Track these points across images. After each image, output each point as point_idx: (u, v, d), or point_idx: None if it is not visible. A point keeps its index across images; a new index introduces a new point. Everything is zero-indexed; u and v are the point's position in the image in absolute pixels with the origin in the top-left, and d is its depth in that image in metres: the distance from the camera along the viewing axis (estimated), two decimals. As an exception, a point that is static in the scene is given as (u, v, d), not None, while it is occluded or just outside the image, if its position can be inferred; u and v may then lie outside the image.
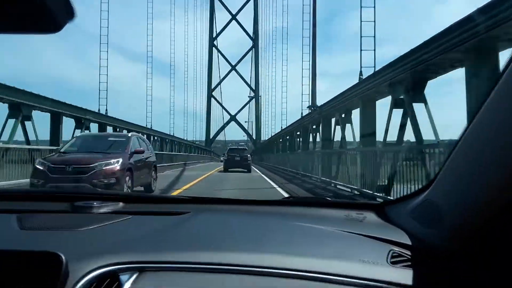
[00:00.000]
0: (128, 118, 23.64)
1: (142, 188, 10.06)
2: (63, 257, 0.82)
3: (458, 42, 5.55)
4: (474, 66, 5.59)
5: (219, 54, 77.65)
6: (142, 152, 9.64)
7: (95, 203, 1.30)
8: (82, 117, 16.76)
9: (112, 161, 8.27)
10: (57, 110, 14.66)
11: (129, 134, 10.34)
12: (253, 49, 71.78)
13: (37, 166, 8.29)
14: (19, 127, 12.60)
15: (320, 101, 16.73)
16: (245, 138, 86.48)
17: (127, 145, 9.19)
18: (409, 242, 1.03)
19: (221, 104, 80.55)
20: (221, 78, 79.39)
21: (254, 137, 69.82)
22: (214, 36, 73.67)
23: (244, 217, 1.37)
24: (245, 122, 78.79)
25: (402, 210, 1.19)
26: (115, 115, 21.57)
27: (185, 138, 53.66)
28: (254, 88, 70.74)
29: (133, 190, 9.07)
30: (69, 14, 0.64)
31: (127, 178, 8.55)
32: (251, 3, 70.47)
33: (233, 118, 78.62)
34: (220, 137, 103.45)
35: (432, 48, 6.28)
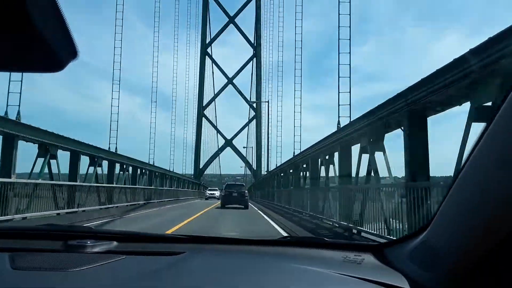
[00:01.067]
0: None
1: None
2: None
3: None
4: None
5: (213, 66, 67.52)
6: None
7: (88, 242, 1.30)
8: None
9: None
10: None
11: None
12: (255, 58, 63.51)
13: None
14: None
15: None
16: (243, 168, 76.62)
17: None
18: (407, 286, 1.02)
19: (214, 126, 69.44)
20: (215, 93, 68.67)
21: (254, 166, 60.73)
22: (207, 42, 64.77)
23: (241, 257, 1.37)
24: (244, 147, 67.54)
25: (400, 252, 1.18)
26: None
27: (171, 170, 42.84)
28: (255, 107, 61.53)
29: None
30: (71, 53, 0.66)
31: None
32: (251, 14, 62.93)
33: (229, 143, 67.39)
34: (215, 170, 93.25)
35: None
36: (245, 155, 68.03)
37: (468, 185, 0.87)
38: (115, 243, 1.35)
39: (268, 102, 47.16)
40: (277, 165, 33.78)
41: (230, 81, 65.95)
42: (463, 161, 0.89)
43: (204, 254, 1.34)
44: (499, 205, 0.76)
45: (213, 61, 67.36)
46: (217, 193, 42.76)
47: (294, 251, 1.41)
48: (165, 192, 31.16)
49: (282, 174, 25.92)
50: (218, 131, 70.83)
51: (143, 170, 28.21)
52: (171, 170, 42.65)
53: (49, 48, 0.64)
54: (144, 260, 1.26)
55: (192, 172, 64.17)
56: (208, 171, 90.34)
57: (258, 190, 42.17)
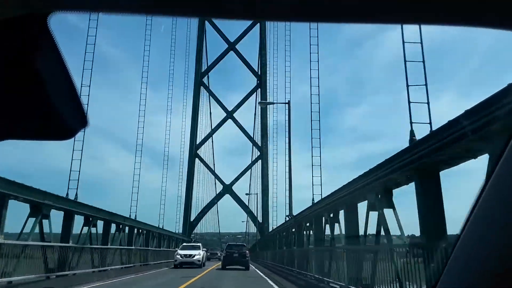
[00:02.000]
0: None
1: None
2: None
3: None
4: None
5: (210, 100, 60.27)
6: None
7: None
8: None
9: None
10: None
11: None
12: (259, 89, 56.48)
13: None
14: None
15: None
16: (244, 224, 72.91)
17: None
18: None
19: (210, 169, 59.30)
20: (212, 129, 59.88)
21: (259, 218, 51.83)
22: (202, 72, 57.52)
23: None
24: (246, 194, 58.87)
25: None
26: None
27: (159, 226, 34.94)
28: (260, 145, 55.03)
29: None
30: (82, 123, 0.67)
31: None
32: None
33: (228, 189, 56.43)
34: (213, 227, 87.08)
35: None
36: (247, 204, 58.72)
37: (473, 239, 0.84)
38: None
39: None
40: (281, 223, 33.14)
41: (229, 114, 56.64)
42: (466, 215, 0.86)
43: None
44: (506, 259, 0.73)
45: (210, 93, 59.05)
46: (197, 254, 24.91)
47: None
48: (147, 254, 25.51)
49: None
50: (215, 175, 59.76)
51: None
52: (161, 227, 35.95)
53: (60, 117, 0.64)
54: None
55: (181, 227, 52.84)
56: (203, 228, 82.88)
57: (265, 249, 33.28)
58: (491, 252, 0.77)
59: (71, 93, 0.63)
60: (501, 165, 0.78)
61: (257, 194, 54.72)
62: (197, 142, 57.82)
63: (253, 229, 61.87)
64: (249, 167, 60.00)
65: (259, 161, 56.36)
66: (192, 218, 55.32)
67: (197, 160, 57.46)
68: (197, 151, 57.46)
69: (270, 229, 40.90)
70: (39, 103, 0.61)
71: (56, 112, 0.63)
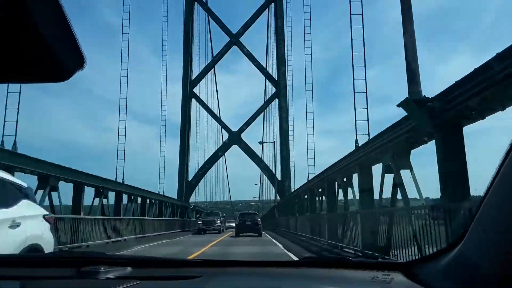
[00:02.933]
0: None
1: None
2: None
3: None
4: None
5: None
6: None
7: (102, 268, 1.26)
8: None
9: None
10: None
11: None
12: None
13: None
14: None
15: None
16: (256, 193, 67.01)
17: None
18: None
19: (209, 110, 45.23)
20: (213, 56, 46.39)
21: (279, 176, 40.39)
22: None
23: (260, 280, 1.30)
24: (260, 143, 44.44)
25: (432, 269, 1.11)
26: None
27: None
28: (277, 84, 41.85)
29: None
30: (79, 63, 0.66)
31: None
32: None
33: (235, 138, 42.78)
34: (224, 195, 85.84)
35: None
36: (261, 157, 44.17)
37: (504, 193, 0.83)
38: (129, 268, 1.31)
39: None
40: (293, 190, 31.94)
41: (234, 39, 42.83)
42: (495, 171, 0.85)
43: (221, 277, 1.30)
44: None
45: (208, 11, 45.05)
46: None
47: (317, 272, 1.34)
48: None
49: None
50: (219, 120, 45.73)
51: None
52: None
53: (56, 58, 0.64)
54: (159, 285, 1.24)
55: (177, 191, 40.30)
56: (215, 197, 79.06)
57: (287, 214, 28.42)
58: None
59: (66, 34, 0.62)
60: None
61: (274, 142, 40.50)
62: (193, 77, 43.49)
63: (268, 193, 50.87)
64: (262, 109, 44.99)
65: (275, 101, 43.32)
66: (190, 177, 42.60)
67: (195, 103, 44.26)
68: (193, 90, 43.38)
69: (292, 189, 33.72)
70: (34, 45, 0.61)
71: (52, 53, 0.63)
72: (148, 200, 26.10)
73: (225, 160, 68.11)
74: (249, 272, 1.41)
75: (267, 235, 24.77)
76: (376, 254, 8.80)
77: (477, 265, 0.89)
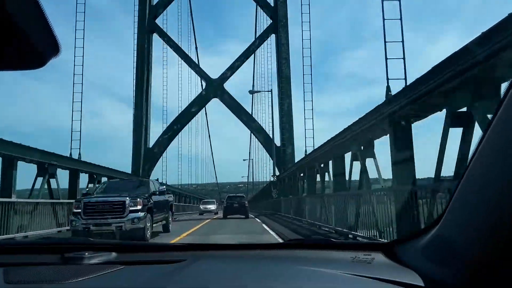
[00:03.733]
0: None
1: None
2: None
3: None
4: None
5: None
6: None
7: (86, 254, 1.26)
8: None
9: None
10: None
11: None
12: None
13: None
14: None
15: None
16: (244, 175, 64.53)
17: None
18: (421, 283, 0.97)
19: (178, 49, 33.88)
20: None
21: (278, 141, 29.75)
22: None
23: (245, 263, 1.32)
24: (250, 93, 32.30)
25: (412, 249, 1.13)
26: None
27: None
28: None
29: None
30: (54, 49, 0.65)
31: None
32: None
33: (217, 89, 31.61)
34: (209, 178, 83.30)
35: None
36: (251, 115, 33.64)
37: (479, 176, 0.85)
38: (113, 254, 1.31)
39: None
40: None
41: None
42: (470, 154, 0.88)
43: (206, 261, 1.30)
44: (506, 202, 0.74)
45: None
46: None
47: (300, 254, 1.36)
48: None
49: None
50: (193, 65, 34.29)
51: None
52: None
53: (30, 45, 0.63)
54: (143, 270, 1.23)
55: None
56: (202, 179, 74.71)
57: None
58: (499, 186, 0.77)
59: (41, 20, 0.61)
60: (503, 109, 0.78)
61: (271, 91, 29.55)
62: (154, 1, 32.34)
63: (260, 174, 48.05)
64: (251, 50, 33.39)
65: (271, 38, 32.75)
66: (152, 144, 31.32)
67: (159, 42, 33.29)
68: (156, 21, 32.33)
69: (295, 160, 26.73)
70: (6, 32, 0.60)
71: (26, 40, 0.62)
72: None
73: (210, 136, 64.13)
74: (234, 255, 1.44)
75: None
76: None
77: (455, 244, 0.91)
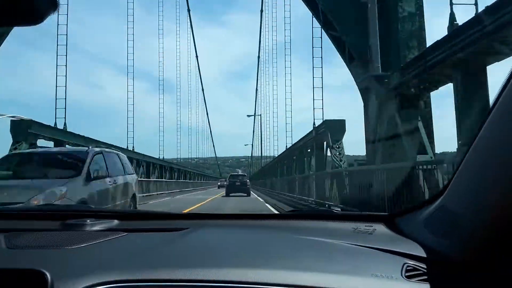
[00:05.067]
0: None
1: None
2: (48, 275, 0.80)
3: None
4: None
5: None
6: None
7: (88, 221, 1.27)
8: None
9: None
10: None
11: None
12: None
13: None
14: None
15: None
16: (246, 151, 68.11)
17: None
18: (423, 254, 0.98)
19: None
20: None
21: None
22: None
23: (246, 231, 1.32)
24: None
25: (414, 220, 1.13)
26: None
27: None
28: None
29: None
30: (52, 4, 0.64)
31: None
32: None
33: None
34: (218, 153, 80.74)
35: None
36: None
37: (486, 148, 0.84)
38: (116, 221, 1.32)
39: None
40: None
41: None
42: (479, 124, 0.84)
43: (208, 229, 1.31)
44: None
45: None
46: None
47: (301, 224, 1.37)
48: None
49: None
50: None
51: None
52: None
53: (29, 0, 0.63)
54: (145, 236, 1.22)
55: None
56: (204, 153, 74.26)
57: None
58: (506, 159, 0.76)
59: None
60: None
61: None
62: None
63: (266, 148, 48.58)
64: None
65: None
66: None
67: None
68: None
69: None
70: None
71: None
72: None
73: (207, 113, 64.71)
74: (236, 224, 1.46)
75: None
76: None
77: (459, 217, 0.92)
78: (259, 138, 44.99)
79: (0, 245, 1.07)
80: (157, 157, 36.34)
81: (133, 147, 27.66)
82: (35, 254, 1.02)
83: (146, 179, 24.99)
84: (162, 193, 25.71)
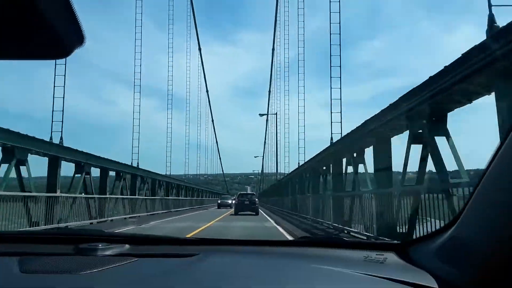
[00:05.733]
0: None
1: None
2: None
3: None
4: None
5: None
6: None
7: (100, 245, 1.28)
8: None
9: None
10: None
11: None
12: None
13: None
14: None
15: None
16: (255, 167, 69.88)
17: None
18: (435, 285, 0.96)
19: None
20: None
21: None
22: None
23: (257, 258, 1.31)
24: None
25: (426, 250, 1.12)
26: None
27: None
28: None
29: None
30: (78, 39, 0.65)
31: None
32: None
33: None
34: (227, 170, 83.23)
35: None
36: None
37: (501, 175, 0.83)
38: (127, 246, 1.33)
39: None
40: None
41: None
42: (492, 154, 0.85)
43: (219, 255, 1.30)
44: None
45: None
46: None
47: (312, 252, 1.36)
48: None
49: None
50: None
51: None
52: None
53: (56, 34, 0.64)
54: (156, 262, 1.22)
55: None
56: (212, 170, 74.54)
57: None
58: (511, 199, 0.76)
59: (66, 10, 0.60)
60: None
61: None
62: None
63: (270, 167, 49.30)
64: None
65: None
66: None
67: None
68: None
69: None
70: (34, 21, 0.60)
71: (52, 29, 0.62)
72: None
73: (214, 129, 64.46)
74: (246, 250, 1.43)
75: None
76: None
77: (471, 246, 0.90)
78: (268, 153, 43.73)
79: (13, 269, 1.09)
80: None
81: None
82: (47, 280, 1.05)
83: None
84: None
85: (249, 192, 33.53)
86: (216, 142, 69.27)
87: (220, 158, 75.27)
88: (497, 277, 0.80)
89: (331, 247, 1.37)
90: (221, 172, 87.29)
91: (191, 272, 1.12)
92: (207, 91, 55.30)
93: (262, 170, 65.46)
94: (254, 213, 24.57)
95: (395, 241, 1.32)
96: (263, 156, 58.21)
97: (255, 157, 61.22)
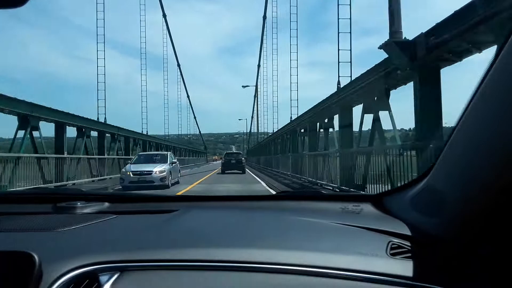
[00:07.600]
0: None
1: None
2: (36, 258, 0.78)
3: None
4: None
5: None
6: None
7: (79, 204, 1.27)
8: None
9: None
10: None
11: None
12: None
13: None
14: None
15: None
16: (240, 127, 65.18)
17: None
18: (408, 232, 1.00)
19: None
20: None
21: None
22: None
23: (236, 213, 1.33)
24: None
25: (401, 200, 1.14)
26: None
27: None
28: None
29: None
30: None
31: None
32: None
33: None
34: (212, 129, 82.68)
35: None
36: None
37: (471, 128, 0.84)
38: (106, 204, 1.33)
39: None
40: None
41: None
42: (465, 105, 0.84)
43: (197, 211, 1.31)
44: (505, 146, 0.73)
45: None
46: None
47: (290, 205, 1.38)
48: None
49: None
50: None
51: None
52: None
53: None
54: (136, 219, 1.24)
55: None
56: (196, 130, 73.20)
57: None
58: (490, 139, 0.77)
59: None
60: (501, 58, 0.75)
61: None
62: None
63: (262, 125, 46.43)
64: None
65: None
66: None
67: None
68: None
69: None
70: None
71: None
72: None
73: (186, 89, 62.12)
74: (225, 205, 1.45)
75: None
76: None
77: (444, 196, 0.93)
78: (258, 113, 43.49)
79: None
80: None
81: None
82: (24, 237, 1.02)
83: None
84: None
85: (235, 151, 32.09)
86: (189, 101, 67.51)
87: (195, 118, 73.49)
88: (467, 224, 0.84)
89: (309, 200, 1.40)
90: (205, 132, 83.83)
91: (170, 227, 1.11)
92: (173, 46, 52.48)
93: (250, 130, 64.92)
94: (241, 172, 24.77)
95: (371, 194, 1.27)
96: (252, 115, 57.26)
97: (239, 119, 60.34)
